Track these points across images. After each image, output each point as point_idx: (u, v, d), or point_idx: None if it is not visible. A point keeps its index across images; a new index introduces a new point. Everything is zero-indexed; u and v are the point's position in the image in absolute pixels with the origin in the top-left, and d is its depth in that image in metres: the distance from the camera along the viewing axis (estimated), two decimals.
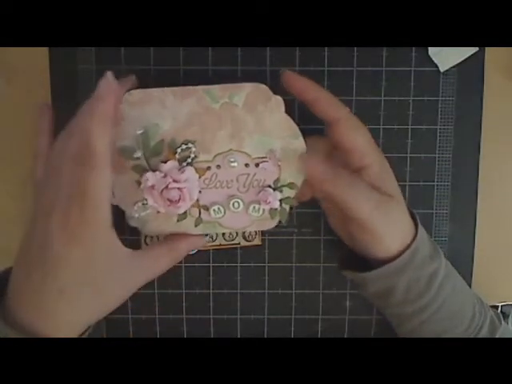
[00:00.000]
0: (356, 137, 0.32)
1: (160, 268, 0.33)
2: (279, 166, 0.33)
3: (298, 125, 0.33)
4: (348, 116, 0.33)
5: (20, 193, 0.41)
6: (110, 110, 0.29)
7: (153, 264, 0.33)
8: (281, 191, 0.33)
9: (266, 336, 0.43)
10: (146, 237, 0.41)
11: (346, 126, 0.32)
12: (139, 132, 0.32)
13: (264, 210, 0.34)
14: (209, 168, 0.33)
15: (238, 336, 0.43)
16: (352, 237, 0.35)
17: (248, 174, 0.33)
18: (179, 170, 0.32)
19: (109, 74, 0.29)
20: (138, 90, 0.32)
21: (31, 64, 0.39)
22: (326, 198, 0.36)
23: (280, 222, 0.35)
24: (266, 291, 0.42)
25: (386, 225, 0.32)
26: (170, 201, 0.32)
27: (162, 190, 0.32)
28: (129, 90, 0.32)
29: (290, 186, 0.33)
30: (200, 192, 0.33)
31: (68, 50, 0.39)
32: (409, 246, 0.33)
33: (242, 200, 0.34)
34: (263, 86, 0.32)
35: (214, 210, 0.34)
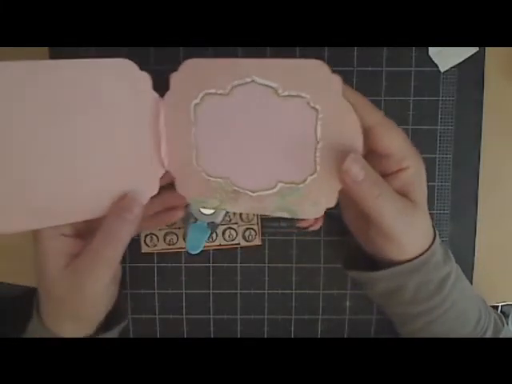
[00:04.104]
0: (392, 142, 0.31)
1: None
2: None
3: None
4: (384, 120, 0.31)
5: None
6: None
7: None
8: None
9: (265, 336, 0.43)
10: (145, 236, 0.41)
11: (382, 131, 0.31)
12: None
13: None
14: None
15: (238, 336, 0.43)
16: (369, 238, 0.33)
17: None
18: None
19: None
20: None
21: None
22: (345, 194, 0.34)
23: None
24: (266, 291, 0.42)
25: (408, 232, 0.31)
26: None
27: None
28: None
29: None
30: None
31: (68, 50, 0.39)
32: (427, 249, 0.32)
33: None
34: None
35: None
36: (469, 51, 0.39)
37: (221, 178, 0.31)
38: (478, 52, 0.39)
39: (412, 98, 0.40)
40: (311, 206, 0.31)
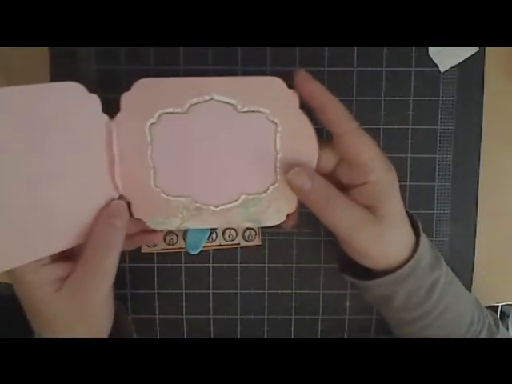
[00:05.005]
0: (362, 152, 0.31)
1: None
2: None
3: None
4: (355, 130, 0.31)
5: None
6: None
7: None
8: None
9: (266, 336, 0.43)
10: None
11: (352, 140, 0.31)
12: None
13: None
14: None
15: (238, 336, 0.43)
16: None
17: None
18: None
19: None
20: None
21: (31, 64, 0.39)
22: None
23: None
24: (266, 291, 0.42)
25: (373, 244, 0.31)
26: None
27: None
28: None
29: None
30: None
31: (68, 49, 0.39)
32: (409, 258, 0.32)
33: None
34: None
35: None
36: (469, 51, 0.39)
37: (182, 196, 0.31)
38: (478, 52, 0.39)
39: (412, 98, 0.40)
40: (274, 213, 0.32)
